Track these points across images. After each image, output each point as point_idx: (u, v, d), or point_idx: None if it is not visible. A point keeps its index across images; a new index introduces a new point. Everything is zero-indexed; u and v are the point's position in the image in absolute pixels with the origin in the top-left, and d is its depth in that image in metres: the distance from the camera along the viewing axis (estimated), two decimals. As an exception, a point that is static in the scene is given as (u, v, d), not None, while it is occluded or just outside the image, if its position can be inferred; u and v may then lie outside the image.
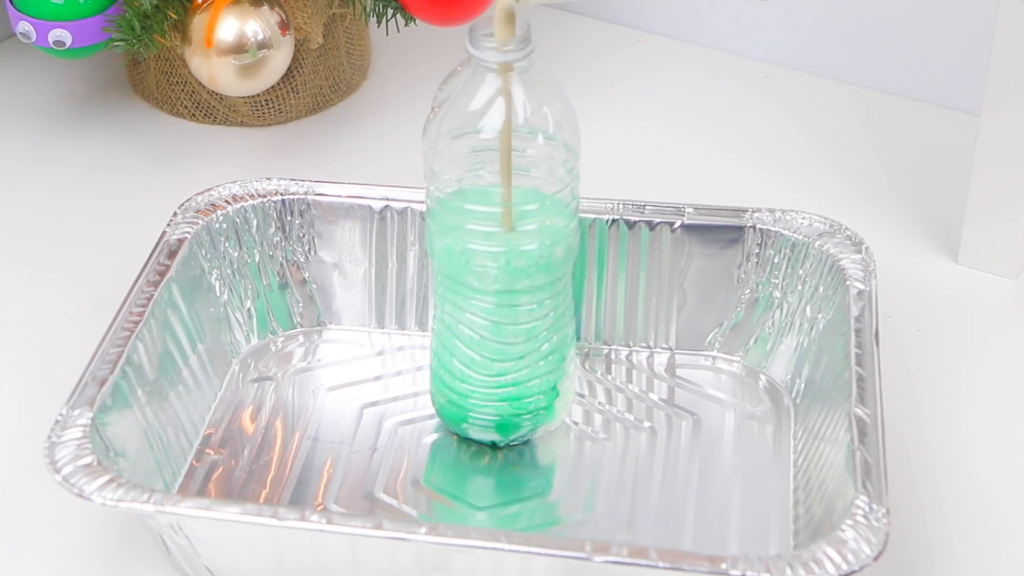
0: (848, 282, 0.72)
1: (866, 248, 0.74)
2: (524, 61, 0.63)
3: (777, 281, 0.75)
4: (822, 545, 0.59)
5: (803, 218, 0.75)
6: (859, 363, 0.67)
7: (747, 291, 0.75)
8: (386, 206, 0.77)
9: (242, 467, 0.70)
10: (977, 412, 0.74)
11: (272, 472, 0.69)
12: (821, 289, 0.73)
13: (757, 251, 0.75)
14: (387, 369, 0.76)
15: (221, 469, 0.70)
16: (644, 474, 0.69)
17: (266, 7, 0.85)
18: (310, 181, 0.77)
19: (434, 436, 0.72)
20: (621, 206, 0.75)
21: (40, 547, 0.67)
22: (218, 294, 0.75)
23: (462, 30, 0.78)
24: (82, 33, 0.86)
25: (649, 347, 0.77)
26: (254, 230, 0.76)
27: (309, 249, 0.77)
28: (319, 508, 0.67)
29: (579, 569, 0.59)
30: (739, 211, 0.75)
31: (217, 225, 0.75)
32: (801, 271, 0.74)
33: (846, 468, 0.63)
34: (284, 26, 0.86)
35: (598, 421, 0.73)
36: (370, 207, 0.77)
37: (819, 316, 0.73)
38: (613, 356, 0.76)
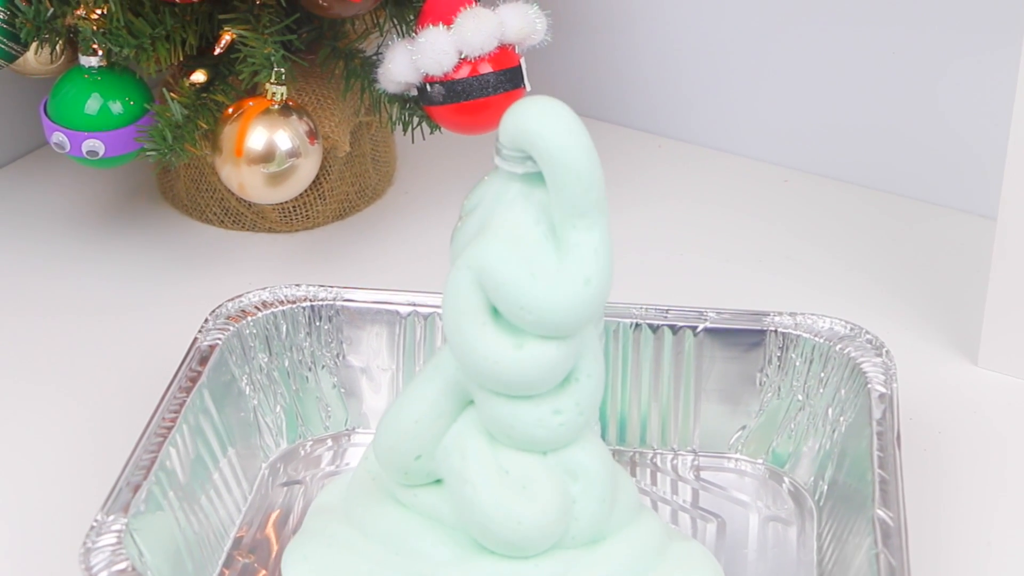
0: (870, 385, 0.72)
1: (887, 351, 0.74)
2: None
3: (799, 384, 0.76)
4: (848, 648, 0.59)
5: (824, 322, 0.76)
6: (882, 466, 0.68)
7: (769, 394, 0.76)
8: (412, 311, 0.78)
9: (271, 571, 0.70)
10: (999, 514, 0.74)
11: (302, 576, 0.70)
12: (843, 392, 0.74)
13: (779, 354, 0.76)
14: (414, 473, 0.76)
15: (251, 573, 0.70)
16: (670, 577, 0.70)
17: (295, 116, 0.87)
18: (338, 287, 0.79)
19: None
20: (644, 310, 0.76)
21: (73, 651, 0.67)
22: (248, 399, 0.76)
23: (485, 138, 0.79)
24: (115, 143, 0.87)
25: (673, 450, 0.77)
26: (283, 336, 0.77)
27: (338, 354, 0.78)
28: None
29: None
30: (760, 315, 0.76)
31: (248, 331, 0.77)
32: (823, 374, 0.75)
33: (870, 570, 0.63)
34: (312, 135, 0.87)
35: (624, 524, 0.73)
36: (397, 312, 0.78)
37: (841, 419, 0.73)
38: (638, 459, 0.77)
